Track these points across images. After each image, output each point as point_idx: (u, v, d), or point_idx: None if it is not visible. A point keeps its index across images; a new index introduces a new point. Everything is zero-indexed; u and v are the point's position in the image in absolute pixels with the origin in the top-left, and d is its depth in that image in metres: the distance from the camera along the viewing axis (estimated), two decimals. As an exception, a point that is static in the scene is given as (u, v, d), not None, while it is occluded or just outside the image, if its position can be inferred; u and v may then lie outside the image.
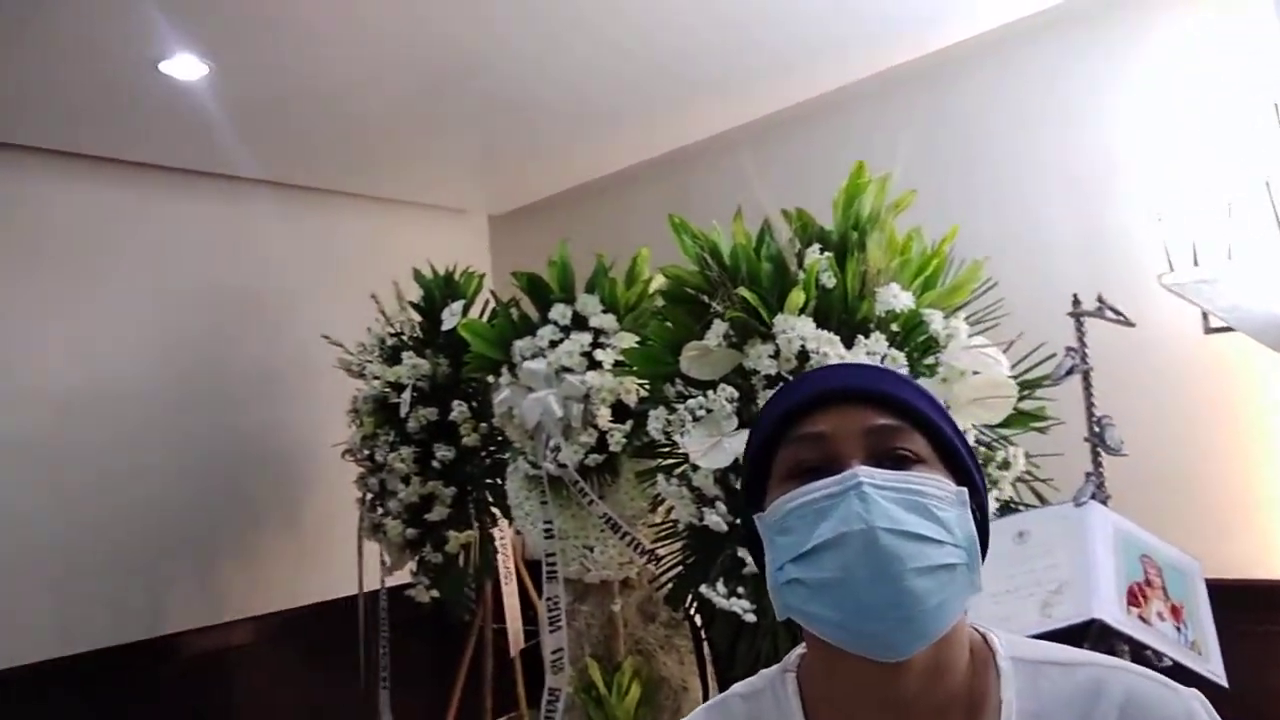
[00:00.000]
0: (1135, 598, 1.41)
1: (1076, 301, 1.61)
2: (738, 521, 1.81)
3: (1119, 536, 1.49)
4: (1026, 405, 1.88)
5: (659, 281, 2.37)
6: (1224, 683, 1.37)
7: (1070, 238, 2.56)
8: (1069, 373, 1.58)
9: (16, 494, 2.86)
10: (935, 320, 1.78)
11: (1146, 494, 2.31)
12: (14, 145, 2.91)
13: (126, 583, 3.05)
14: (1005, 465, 1.86)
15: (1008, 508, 1.89)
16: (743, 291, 1.71)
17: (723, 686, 1.81)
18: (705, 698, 2.51)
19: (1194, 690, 0.72)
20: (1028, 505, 1.93)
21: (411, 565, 2.88)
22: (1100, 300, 1.58)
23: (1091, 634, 1.36)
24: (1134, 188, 2.38)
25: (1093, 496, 1.54)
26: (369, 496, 2.86)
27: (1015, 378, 1.87)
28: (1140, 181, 2.37)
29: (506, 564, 3.03)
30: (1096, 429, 1.57)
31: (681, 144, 3.54)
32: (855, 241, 1.83)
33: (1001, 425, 1.83)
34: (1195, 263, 1.70)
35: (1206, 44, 2.29)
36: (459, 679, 3.20)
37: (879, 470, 0.66)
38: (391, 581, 3.04)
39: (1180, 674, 1.39)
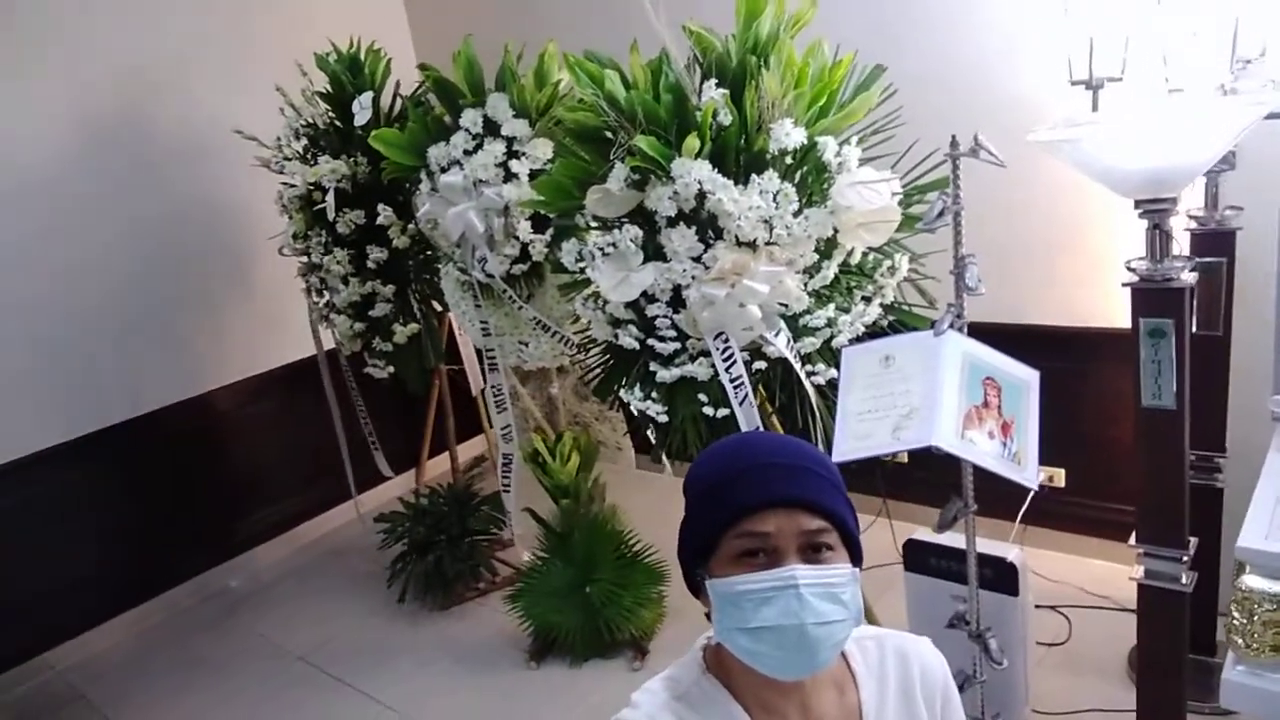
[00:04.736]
0: (971, 420, 1.68)
1: (954, 144, 1.68)
2: (648, 341, 2.01)
3: (967, 362, 1.72)
4: (915, 210, 2.01)
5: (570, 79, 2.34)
6: (1033, 486, 1.68)
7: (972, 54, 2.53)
8: (940, 215, 1.69)
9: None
10: (828, 149, 1.85)
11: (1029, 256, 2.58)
12: None
13: (100, 371, 3.24)
14: (892, 271, 2.04)
15: (892, 308, 2.10)
16: (640, 142, 1.74)
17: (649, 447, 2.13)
18: (637, 453, 2.90)
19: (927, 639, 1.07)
20: (912, 304, 2.14)
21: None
22: (976, 141, 1.65)
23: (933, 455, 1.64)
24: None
25: (951, 325, 1.73)
26: (313, 289, 2.97)
27: (905, 188, 1.99)
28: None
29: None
30: (959, 267, 1.72)
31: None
32: (754, 67, 1.82)
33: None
34: (1095, 107, 1.75)
35: None
36: (429, 415, 3.56)
37: (809, 569, 0.89)
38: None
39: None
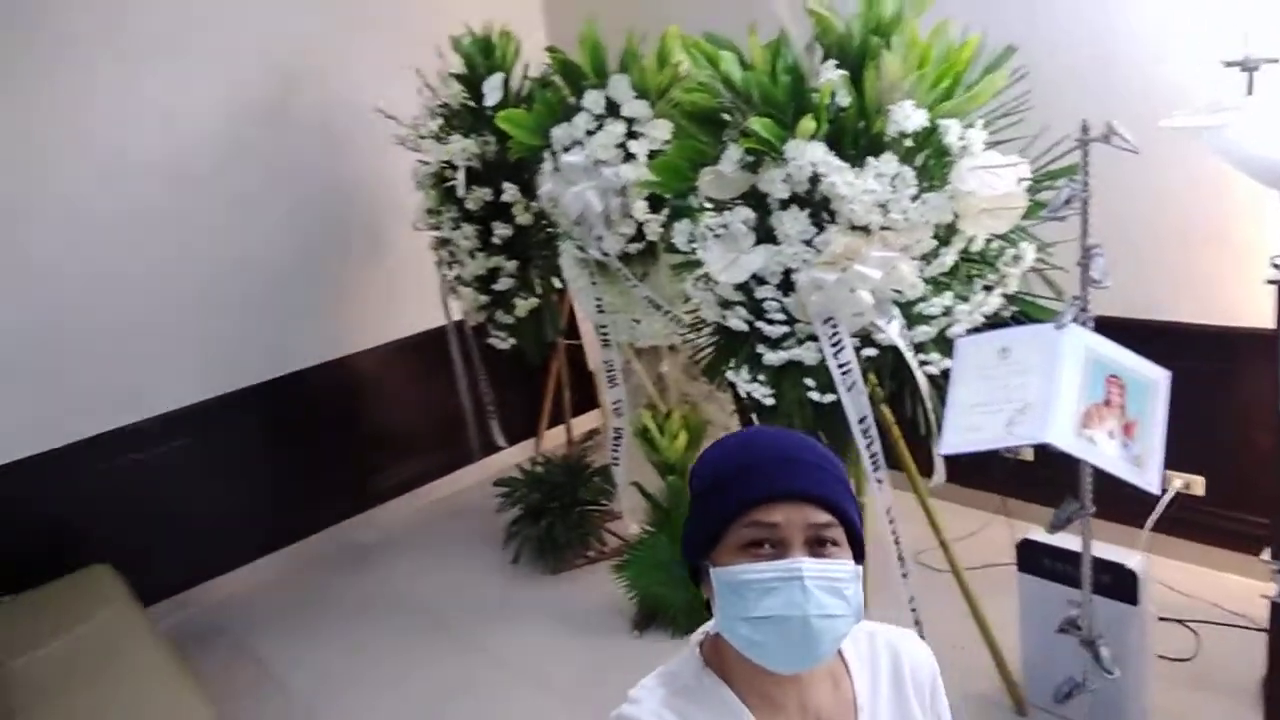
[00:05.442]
0: (1091, 418, 1.60)
1: (1085, 129, 1.59)
2: (757, 324, 2.02)
3: (1090, 359, 1.64)
4: (1044, 197, 1.93)
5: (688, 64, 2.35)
6: (1155, 491, 1.59)
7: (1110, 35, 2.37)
8: (1067, 202, 1.61)
9: (133, 262, 3.16)
10: (951, 131, 1.79)
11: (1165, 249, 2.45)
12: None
13: (251, 332, 3.50)
14: (1016, 259, 1.96)
15: (1013, 299, 2.03)
16: (754, 124, 1.75)
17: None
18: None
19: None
20: (1038, 295, 2.05)
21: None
22: (1109, 127, 1.56)
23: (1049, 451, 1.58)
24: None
25: (1074, 319, 1.66)
26: (443, 262, 3.12)
27: (1033, 174, 1.90)
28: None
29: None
30: (1085, 258, 1.64)
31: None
32: (875, 47, 1.79)
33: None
34: (1249, 90, 1.63)
35: None
36: (548, 388, 3.70)
37: (814, 562, 0.89)
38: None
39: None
